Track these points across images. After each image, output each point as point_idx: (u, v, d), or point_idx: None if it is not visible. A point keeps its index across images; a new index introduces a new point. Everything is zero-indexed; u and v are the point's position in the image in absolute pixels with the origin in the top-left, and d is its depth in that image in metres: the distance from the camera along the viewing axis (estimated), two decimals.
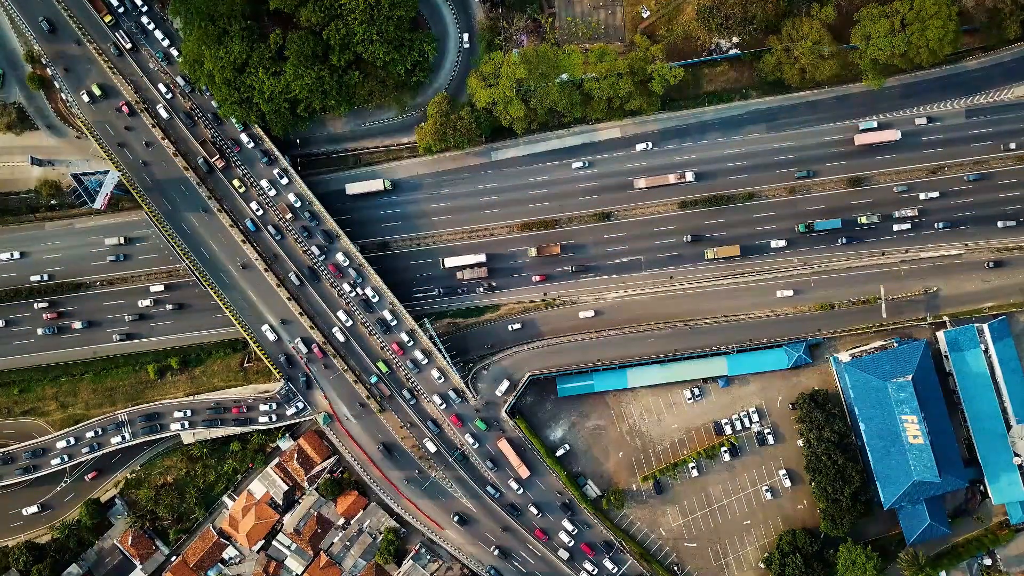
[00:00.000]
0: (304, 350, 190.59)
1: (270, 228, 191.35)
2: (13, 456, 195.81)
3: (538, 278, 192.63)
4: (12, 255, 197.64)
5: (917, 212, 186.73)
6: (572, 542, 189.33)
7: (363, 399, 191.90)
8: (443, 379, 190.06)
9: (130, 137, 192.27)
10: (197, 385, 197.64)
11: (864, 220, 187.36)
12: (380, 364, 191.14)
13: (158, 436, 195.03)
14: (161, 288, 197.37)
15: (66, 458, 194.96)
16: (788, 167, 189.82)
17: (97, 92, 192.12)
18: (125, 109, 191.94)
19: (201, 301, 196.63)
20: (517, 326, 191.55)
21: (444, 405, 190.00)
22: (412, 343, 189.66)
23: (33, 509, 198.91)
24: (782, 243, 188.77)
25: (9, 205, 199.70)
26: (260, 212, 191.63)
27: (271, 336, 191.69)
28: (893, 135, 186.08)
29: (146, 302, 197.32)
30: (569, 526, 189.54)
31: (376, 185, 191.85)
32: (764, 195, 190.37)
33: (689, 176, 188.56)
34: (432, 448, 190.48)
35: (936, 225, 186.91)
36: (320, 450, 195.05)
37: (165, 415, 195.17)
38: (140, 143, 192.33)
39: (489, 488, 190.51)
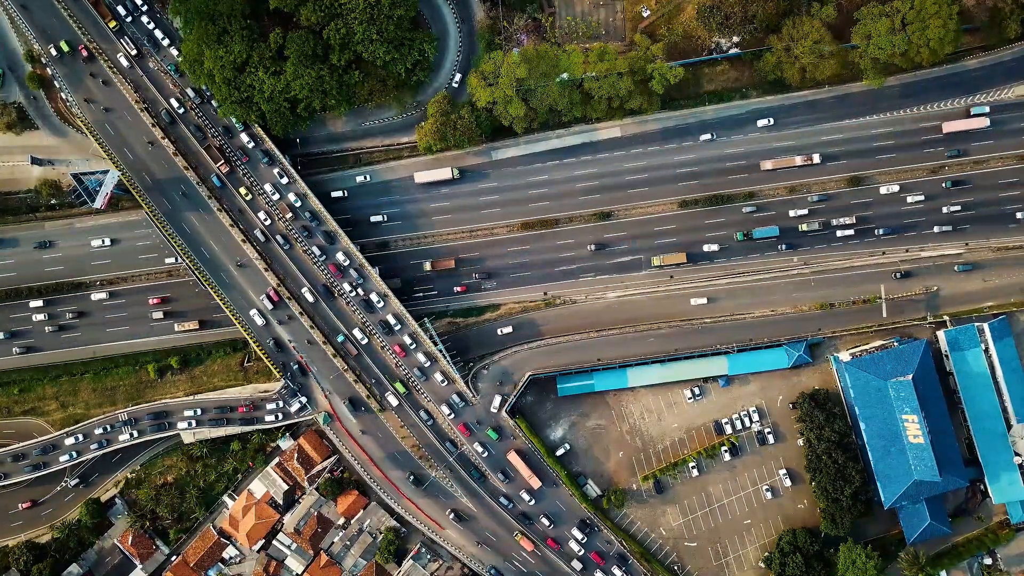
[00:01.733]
0: (269, 306, 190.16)
1: (278, 238, 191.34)
2: (24, 453, 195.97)
3: (459, 288, 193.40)
4: (104, 241, 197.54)
5: (855, 219, 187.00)
6: (582, 551, 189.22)
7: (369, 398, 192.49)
8: (447, 383, 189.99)
9: (90, 83, 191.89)
10: (197, 385, 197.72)
11: (804, 228, 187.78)
12: (397, 384, 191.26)
13: (165, 434, 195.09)
14: (40, 304, 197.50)
15: (75, 455, 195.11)
16: (787, 166, 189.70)
17: (65, 48, 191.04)
18: (84, 52, 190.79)
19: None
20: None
21: (452, 415, 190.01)
22: (415, 345, 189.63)
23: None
24: (714, 247, 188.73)
25: (9, 205, 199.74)
26: (268, 222, 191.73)
27: (259, 320, 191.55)
28: (982, 123, 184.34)
29: (40, 316, 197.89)
30: (579, 535, 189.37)
31: (445, 173, 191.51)
32: (763, 195, 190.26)
33: (816, 158, 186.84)
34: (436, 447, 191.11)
35: (877, 232, 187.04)
36: (320, 449, 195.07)
37: (173, 413, 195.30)
38: (100, 86, 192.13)
39: (502, 499, 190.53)
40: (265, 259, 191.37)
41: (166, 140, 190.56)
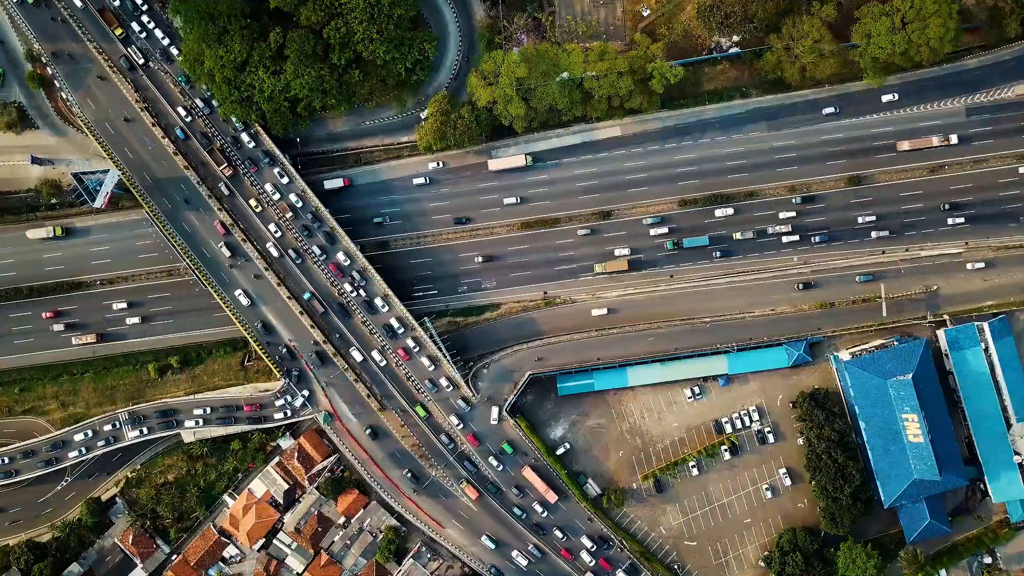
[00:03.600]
0: (228, 254, 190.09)
1: (291, 252, 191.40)
2: (34, 450, 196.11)
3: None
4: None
5: (791, 228, 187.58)
6: (593, 561, 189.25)
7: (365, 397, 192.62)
8: (451, 387, 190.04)
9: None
10: (198, 384, 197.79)
11: (739, 236, 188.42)
12: (418, 408, 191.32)
13: (173, 431, 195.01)
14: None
15: (84, 451, 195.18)
16: (788, 165, 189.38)
17: (30, 0, 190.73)
18: None
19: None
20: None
21: (461, 425, 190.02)
22: (418, 348, 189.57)
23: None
24: (625, 251, 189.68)
25: (9, 204, 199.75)
26: (279, 234, 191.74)
27: (244, 301, 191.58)
28: None
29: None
30: (588, 543, 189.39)
31: (519, 161, 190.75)
32: (764, 194, 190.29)
33: (953, 139, 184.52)
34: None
35: (813, 239, 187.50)
36: (320, 449, 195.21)
37: (180, 411, 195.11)
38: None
39: (516, 510, 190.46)
40: (276, 272, 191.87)
41: (166, 140, 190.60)
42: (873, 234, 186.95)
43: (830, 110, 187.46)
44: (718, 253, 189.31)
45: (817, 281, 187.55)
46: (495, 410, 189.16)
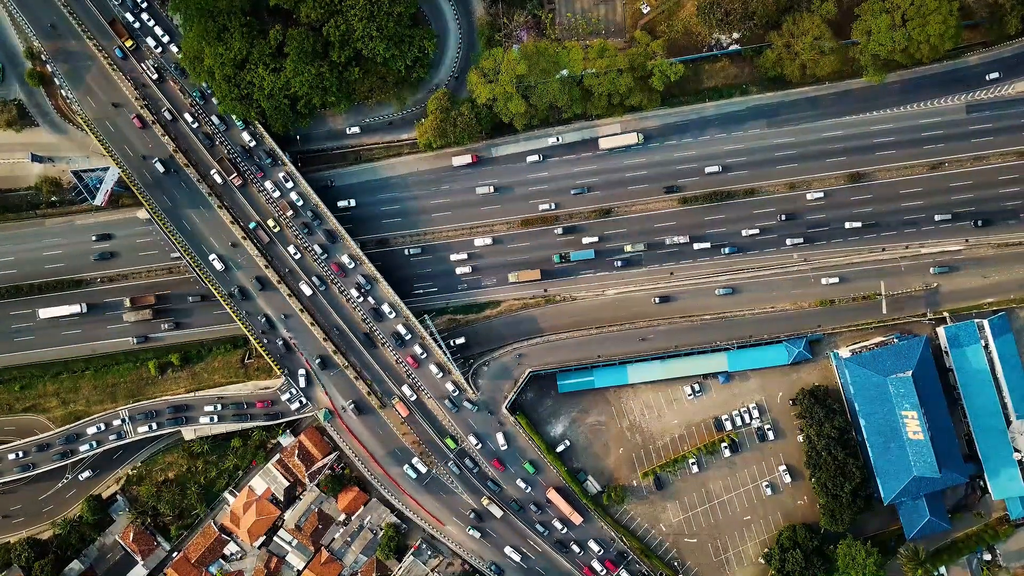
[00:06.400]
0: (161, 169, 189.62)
1: (314, 279, 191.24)
2: (48, 443, 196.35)
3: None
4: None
5: (689, 238, 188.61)
6: (604, 571, 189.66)
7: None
8: (458, 392, 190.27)
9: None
10: (198, 382, 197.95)
11: (629, 249, 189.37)
12: (448, 440, 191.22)
13: (182, 428, 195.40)
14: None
15: (95, 444, 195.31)
16: (789, 163, 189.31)
17: None
18: None
19: None
20: None
21: (479, 444, 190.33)
22: (426, 355, 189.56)
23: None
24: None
25: (9, 202, 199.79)
26: (298, 256, 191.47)
27: (219, 266, 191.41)
28: None
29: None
30: (596, 548, 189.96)
31: (630, 139, 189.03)
32: (764, 191, 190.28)
33: None
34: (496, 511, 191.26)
35: (723, 250, 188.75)
36: (321, 446, 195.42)
37: (192, 407, 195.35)
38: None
39: (538, 526, 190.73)
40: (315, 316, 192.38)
41: (166, 137, 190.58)
42: (788, 241, 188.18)
43: (994, 75, 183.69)
44: (620, 263, 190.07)
45: (673, 295, 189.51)
46: (500, 436, 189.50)
